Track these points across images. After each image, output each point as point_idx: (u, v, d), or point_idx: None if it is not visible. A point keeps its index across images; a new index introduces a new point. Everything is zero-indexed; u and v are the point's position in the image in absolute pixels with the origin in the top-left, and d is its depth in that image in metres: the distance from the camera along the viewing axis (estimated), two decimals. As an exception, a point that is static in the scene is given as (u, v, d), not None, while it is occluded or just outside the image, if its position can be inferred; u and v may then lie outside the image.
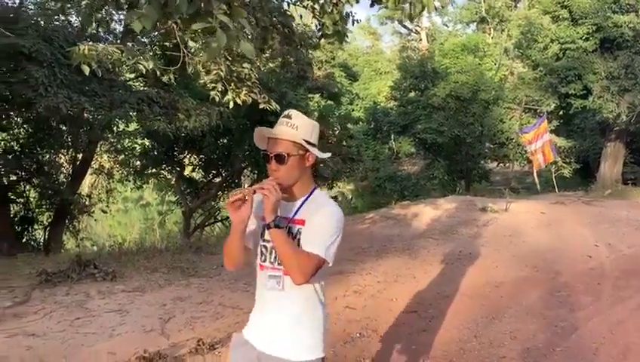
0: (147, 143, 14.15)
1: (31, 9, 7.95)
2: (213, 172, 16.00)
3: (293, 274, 1.93)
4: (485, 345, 4.45)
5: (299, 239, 2.01)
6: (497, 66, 28.36)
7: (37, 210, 10.32)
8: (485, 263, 7.13)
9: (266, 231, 2.01)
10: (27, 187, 10.04)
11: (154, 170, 15.18)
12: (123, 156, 12.54)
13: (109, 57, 4.24)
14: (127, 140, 12.31)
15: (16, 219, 9.97)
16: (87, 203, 11.16)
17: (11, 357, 4.17)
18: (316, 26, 3.73)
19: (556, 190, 17.87)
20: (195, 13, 1.82)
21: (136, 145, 13.87)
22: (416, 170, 26.63)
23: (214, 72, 4.36)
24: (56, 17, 7.75)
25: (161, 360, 4.07)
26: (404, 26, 40.31)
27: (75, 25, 8.05)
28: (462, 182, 21.64)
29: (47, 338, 4.51)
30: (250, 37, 2.08)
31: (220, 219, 17.27)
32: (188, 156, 15.45)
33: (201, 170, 16.09)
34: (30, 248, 9.77)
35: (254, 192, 1.95)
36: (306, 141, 2.02)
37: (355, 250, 7.99)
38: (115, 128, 10.55)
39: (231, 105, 4.82)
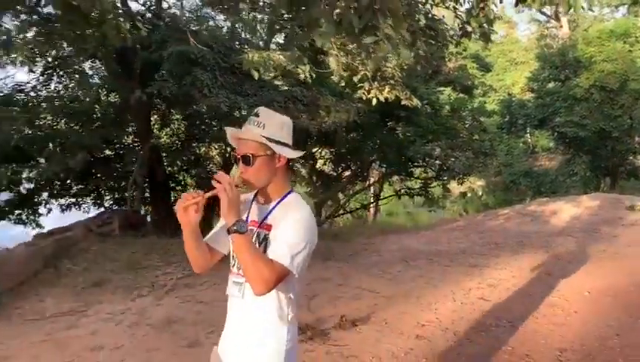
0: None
1: (193, 18, 9.04)
2: (343, 165, 16.57)
3: (252, 283, 1.74)
4: (628, 345, 4.32)
5: (265, 246, 1.85)
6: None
7: (194, 198, 11.61)
8: (631, 264, 6.72)
9: None
10: (185, 176, 11.39)
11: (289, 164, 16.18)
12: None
13: (272, 63, 4.80)
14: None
15: (175, 205, 11.33)
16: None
17: (186, 318, 4.95)
18: (458, 25, 3.90)
19: None
20: (363, 28, 2.15)
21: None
22: (555, 165, 25.00)
23: (362, 72, 4.72)
24: (211, 25, 8.75)
25: (309, 331, 4.55)
26: (543, 13, 37.81)
27: (228, 31, 9.02)
28: (606, 180, 19.99)
29: (214, 306, 5.24)
30: (407, 44, 2.35)
31: (349, 210, 17.91)
32: (319, 150, 16.17)
33: (331, 163, 16.73)
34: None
35: (205, 194, 1.81)
36: (274, 140, 1.84)
37: (488, 245, 7.97)
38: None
39: (374, 102, 5.18)
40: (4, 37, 5.79)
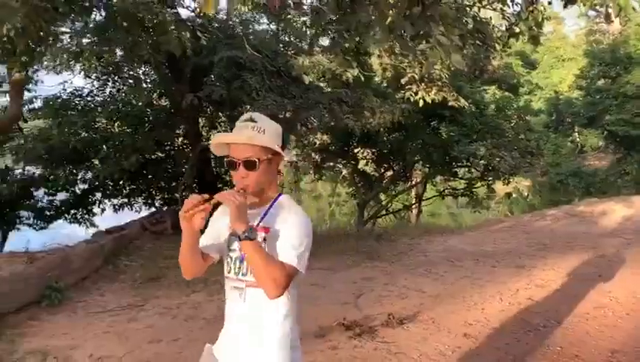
0: (326, 138, 15.32)
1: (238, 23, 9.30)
2: (385, 166, 16.55)
3: (267, 287, 1.76)
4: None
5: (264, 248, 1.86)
6: None
7: (239, 198, 11.95)
8: (685, 266, 6.53)
9: (234, 242, 1.89)
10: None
11: (330, 164, 16.31)
12: (307, 150, 13.78)
13: (322, 67, 4.95)
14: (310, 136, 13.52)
15: (222, 204, 11.68)
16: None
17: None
18: (506, 26, 3.93)
19: None
20: (415, 35, 2.24)
21: (316, 141, 15.10)
22: (604, 165, 24.23)
23: (409, 74, 4.81)
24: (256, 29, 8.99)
25: (357, 328, 4.66)
26: (592, 8, 36.55)
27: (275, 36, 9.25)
28: (660, 179, 19.26)
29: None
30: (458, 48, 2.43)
31: (391, 211, 17.88)
32: (361, 150, 16.19)
33: (373, 164, 16.73)
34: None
35: (211, 201, 1.79)
36: (276, 145, 1.87)
37: (536, 246, 7.87)
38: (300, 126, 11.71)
39: (420, 103, 5.25)
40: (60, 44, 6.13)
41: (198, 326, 4.86)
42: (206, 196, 1.78)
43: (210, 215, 1.91)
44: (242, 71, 7.06)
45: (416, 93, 5.01)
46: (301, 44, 8.82)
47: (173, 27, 3.55)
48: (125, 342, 4.57)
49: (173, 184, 10.65)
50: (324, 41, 10.04)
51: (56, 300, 5.28)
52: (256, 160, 1.81)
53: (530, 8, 2.95)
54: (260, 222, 1.86)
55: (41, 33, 2.92)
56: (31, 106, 11.12)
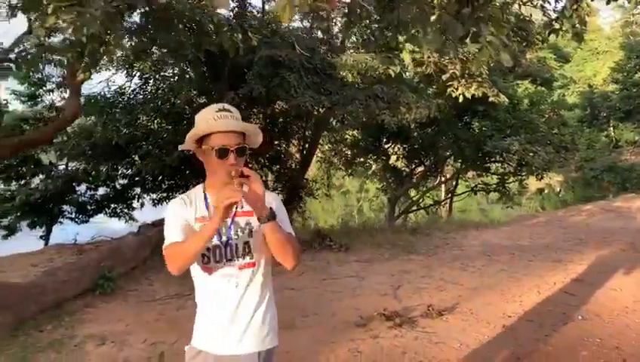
0: (356, 134, 15.41)
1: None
2: (416, 161, 16.54)
3: (292, 257, 1.89)
4: None
5: (250, 230, 1.95)
6: None
7: (273, 192, 12.22)
8: None
9: (222, 230, 1.93)
10: (267, 172, 11.94)
11: (361, 159, 16.39)
12: (339, 146, 13.93)
13: (364, 65, 5.09)
14: (344, 132, 13.66)
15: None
16: (313, 187, 12.77)
17: (280, 303, 5.31)
18: (546, 22, 3.99)
19: None
20: (465, 35, 2.36)
21: (347, 137, 15.21)
22: (641, 160, 23.67)
23: (451, 71, 4.91)
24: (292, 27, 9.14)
25: (397, 318, 4.80)
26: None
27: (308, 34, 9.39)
28: (702, 175, 18.77)
29: (304, 292, 5.62)
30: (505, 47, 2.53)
31: (422, 206, 17.87)
32: (392, 146, 16.21)
33: (404, 160, 16.73)
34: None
35: (244, 189, 1.79)
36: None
37: (572, 241, 7.86)
38: (334, 122, 11.84)
39: (461, 98, 5.34)
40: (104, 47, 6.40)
41: (244, 315, 5.07)
42: (239, 188, 1.76)
43: None
44: (280, 69, 7.25)
45: (456, 89, 5.10)
46: (334, 41, 8.94)
47: (226, 29, 3.75)
48: (176, 328, 4.80)
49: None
50: (353, 38, 10.18)
51: (109, 289, 5.56)
52: (246, 146, 1.90)
53: (575, 6, 3.02)
54: (243, 206, 1.91)
55: (108, 37, 3.15)
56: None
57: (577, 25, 3.15)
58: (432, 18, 2.81)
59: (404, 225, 9.19)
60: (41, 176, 12.37)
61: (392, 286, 5.70)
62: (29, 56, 4.85)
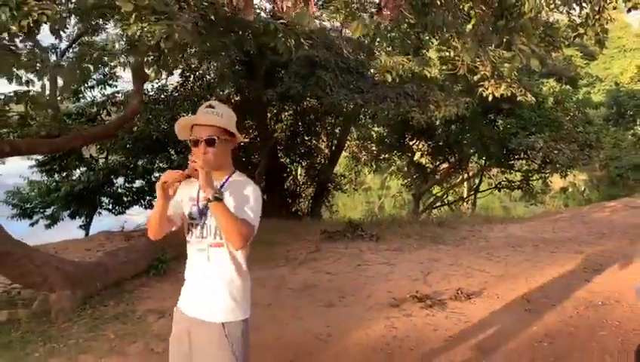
0: (382, 131, 15.76)
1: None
2: (441, 158, 16.80)
3: (234, 239, 2.07)
4: None
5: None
6: None
7: (303, 186, 12.71)
8: None
9: (195, 211, 2.22)
10: (297, 167, 12.44)
11: (386, 156, 16.73)
12: (366, 142, 14.34)
13: (402, 66, 5.48)
14: (370, 129, 14.05)
15: (287, 192, 12.47)
16: (341, 181, 13.24)
17: (319, 285, 5.78)
18: (572, 27, 4.32)
19: None
20: (499, 44, 2.73)
21: (373, 133, 15.58)
22: (668, 159, 23.50)
23: (482, 72, 5.26)
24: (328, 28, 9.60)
25: (428, 300, 5.19)
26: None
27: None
28: None
29: (340, 276, 6.05)
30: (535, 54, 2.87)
31: (447, 202, 18.15)
32: (417, 143, 16.49)
33: (428, 156, 16.99)
34: (297, 216, 12.09)
35: (187, 176, 2.09)
36: (231, 128, 2.21)
37: (594, 235, 8.12)
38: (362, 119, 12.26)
39: (490, 98, 5.70)
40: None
41: (286, 295, 5.52)
42: (181, 171, 2.09)
43: None
44: (316, 68, 7.68)
45: (487, 89, 5.46)
46: (366, 41, 9.33)
47: (281, 35, 4.16)
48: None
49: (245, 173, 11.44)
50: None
51: (162, 270, 6.08)
52: (215, 138, 2.13)
53: (597, 16, 3.35)
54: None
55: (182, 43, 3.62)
56: (114, 100, 12.18)
57: (599, 32, 3.46)
58: (468, 27, 3.21)
59: (430, 219, 9.56)
60: (82, 169, 13.01)
61: (421, 273, 6.08)
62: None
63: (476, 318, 4.79)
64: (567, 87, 16.56)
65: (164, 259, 6.12)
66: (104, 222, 13.49)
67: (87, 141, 8.13)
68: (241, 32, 5.53)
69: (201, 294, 2.23)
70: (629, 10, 3.55)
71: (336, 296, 5.41)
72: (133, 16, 3.35)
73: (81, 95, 12.93)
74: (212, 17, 3.66)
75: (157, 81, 10.52)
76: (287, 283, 5.87)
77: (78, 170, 13.09)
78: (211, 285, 2.21)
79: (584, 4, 3.80)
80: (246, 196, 2.17)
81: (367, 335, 4.46)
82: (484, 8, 2.89)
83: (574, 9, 4.15)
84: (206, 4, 3.60)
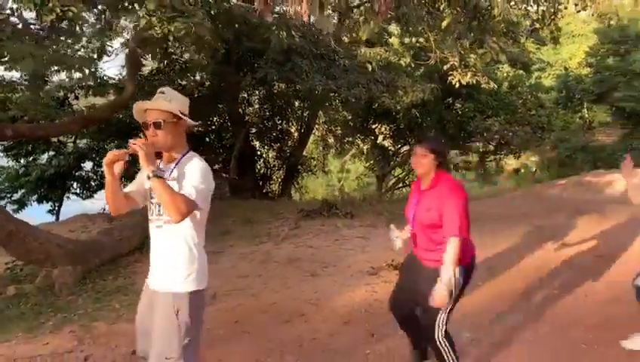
0: (346, 115, 16.23)
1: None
2: (402, 141, 17.40)
3: (172, 213, 2.18)
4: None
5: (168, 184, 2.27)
6: None
7: (273, 168, 13.13)
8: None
9: (153, 191, 2.32)
10: (268, 150, 12.82)
11: (351, 139, 17.22)
12: (332, 125, 14.81)
13: (381, 56, 5.95)
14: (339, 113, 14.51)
15: (259, 174, 12.86)
16: (310, 164, 13.71)
17: (303, 258, 6.27)
18: (529, 23, 4.90)
19: None
20: (473, 41, 3.21)
21: (337, 117, 16.05)
22: (612, 140, 25.05)
23: (451, 62, 5.80)
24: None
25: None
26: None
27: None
28: (666, 154, 20.10)
29: (321, 249, 6.56)
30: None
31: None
32: (379, 126, 16.98)
33: (390, 139, 17.53)
34: (268, 197, 12.51)
35: (130, 155, 2.23)
36: (180, 112, 2.34)
37: (547, 209, 8.89)
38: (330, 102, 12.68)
39: (457, 85, 6.26)
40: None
41: (273, 267, 5.99)
42: (124, 150, 2.25)
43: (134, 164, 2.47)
44: (292, 55, 8.05)
45: (454, 77, 6.00)
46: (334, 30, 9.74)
47: (274, 28, 4.50)
48: (218, 276, 5.66)
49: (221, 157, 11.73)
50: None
51: (153, 247, 6.41)
52: (162, 121, 2.29)
53: (552, 17, 3.88)
54: (171, 173, 2.34)
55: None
56: (81, 85, 12.15)
57: (554, 30, 4.01)
58: (443, 24, 3.71)
59: (397, 198, 10.15)
60: (50, 154, 12.95)
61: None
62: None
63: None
64: (521, 72, 17.45)
65: (154, 237, 6.45)
66: (73, 207, 13.52)
67: (86, 124, 8.26)
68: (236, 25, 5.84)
69: (158, 267, 2.42)
70: (578, 11, 4.11)
71: (319, 266, 5.91)
72: (145, 10, 3.67)
73: (46, 78, 12.85)
74: (213, 12, 4.00)
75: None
76: (272, 256, 6.33)
77: (45, 155, 13.04)
78: (165, 258, 2.38)
79: (540, 2, 4.36)
80: (191, 173, 2.29)
81: (352, 299, 4.98)
82: (459, 9, 3.39)
83: (532, 6, 4.73)
84: (211, 1, 3.94)
